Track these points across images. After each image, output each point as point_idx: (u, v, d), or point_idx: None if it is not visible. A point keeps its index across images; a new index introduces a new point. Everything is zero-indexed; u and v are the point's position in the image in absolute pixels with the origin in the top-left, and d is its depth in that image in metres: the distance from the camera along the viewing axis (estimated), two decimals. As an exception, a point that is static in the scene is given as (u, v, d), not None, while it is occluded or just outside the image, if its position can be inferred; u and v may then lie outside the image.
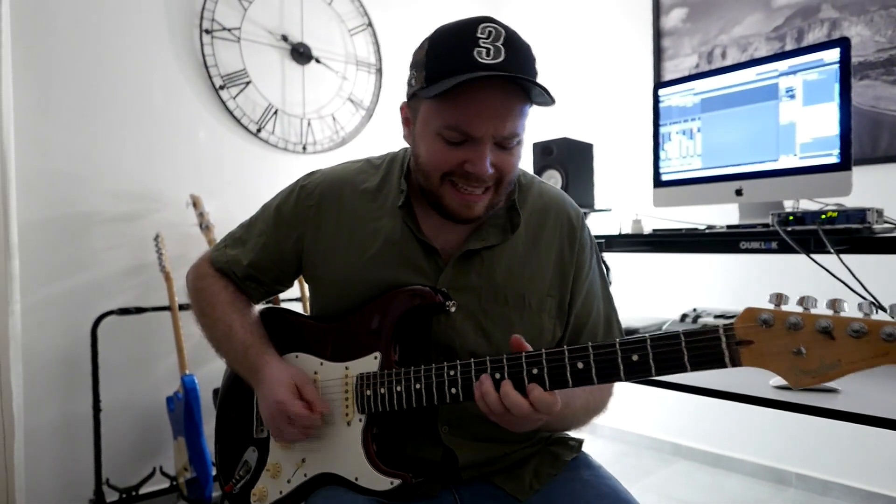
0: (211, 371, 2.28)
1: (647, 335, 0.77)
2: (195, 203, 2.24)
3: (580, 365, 0.79)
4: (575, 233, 1.05)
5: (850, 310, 0.68)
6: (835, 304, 0.68)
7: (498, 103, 0.86)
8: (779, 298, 0.71)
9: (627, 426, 3.08)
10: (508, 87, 0.86)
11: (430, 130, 0.90)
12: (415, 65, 0.92)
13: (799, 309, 0.69)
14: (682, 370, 0.74)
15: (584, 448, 1.10)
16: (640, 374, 0.77)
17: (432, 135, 0.89)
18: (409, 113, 0.96)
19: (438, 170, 0.90)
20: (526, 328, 0.98)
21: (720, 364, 0.72)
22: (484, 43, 0.84)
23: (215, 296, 1.07)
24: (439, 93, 0.83)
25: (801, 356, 0.68)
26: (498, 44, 0.84)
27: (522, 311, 0.99)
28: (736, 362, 0.71)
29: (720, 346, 0.72)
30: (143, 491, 2.14)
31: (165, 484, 2.20)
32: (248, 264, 1.07)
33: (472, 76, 0.81)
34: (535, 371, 0.81)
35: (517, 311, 0.98)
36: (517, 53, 0.85)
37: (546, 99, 0.87)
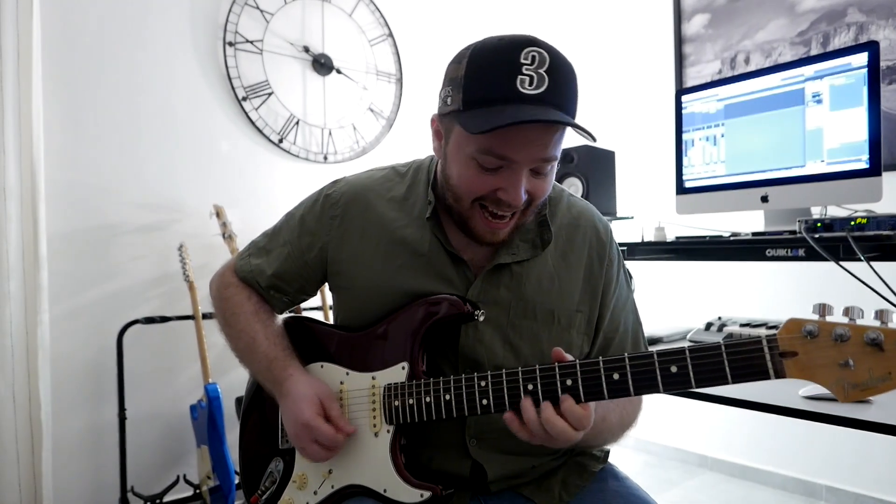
0: (234, 380, 2.30)
1: (685, 346, 0.75)
2: (218, 213, 2.27)
3: (616, 376, 0.78)
4: (604, 248, 1.04)
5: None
6: (882, 314, 0.66)
7: (537, 132, 0.83)
8: (823, 309, 0.69)
9: (653, 437, 3.04)
10: (548, 114, 0.82)
11: (464, 154, 0.87)
12: (451, 82, 0.88)
13: (845, 320, 0.67)
14: (724, 382, 0.72)
15: (610, 458, 1.09)
16: (679, 387, 0.75)
17: (466, 158, 0.87)
18: (442, 128, 0.94)
19: (470, 195, 0.89)
20: (554, 343, 0.96)
21: (764, 376, 0.70)
22: (527, 70, 0.80)
23: (239, 306, 1.07)
24: (482, 131, 0.79)
25: (850, 369, 0.66)
26: (541, 70, 0.81)
27: (551, 327, 0.98)
28: (780, 374, 0.69)
29: (763, 358, 0.70)
30: (167, 499, 2.15)
31: (189, 492, 2.21)
32: (272, 274, 1.06)
33: (513, 122, 0.78)
34: (569, 382, 0.80)
35: (546, 327, 0.97)
36: (560, 81, 0.82)
37: (586, 136, 0.84)
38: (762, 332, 0.74)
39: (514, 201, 0.86)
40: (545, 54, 0.81)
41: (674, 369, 0.74)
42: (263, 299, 1.08)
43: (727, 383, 0.72)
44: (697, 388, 0.74)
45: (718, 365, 0.72)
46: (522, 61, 0.81)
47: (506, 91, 0.81)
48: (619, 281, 1.06)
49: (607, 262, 1.04)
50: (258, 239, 1.13)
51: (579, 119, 0.85)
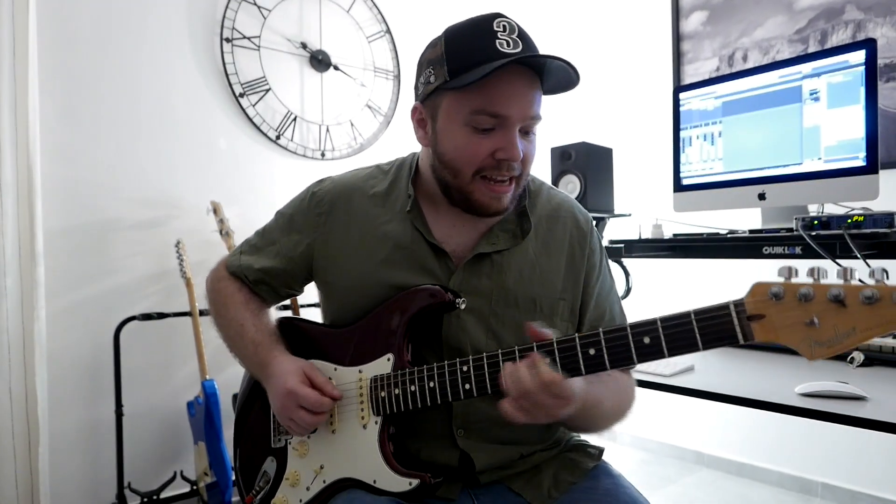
0: (231, 376, 2.30)
1: (657, 317, 0.76)
2: (215, 210, 2.26)
3: (592, 351, 0.80)
4: (585, 236, 1.07)
5: (863, 279, 0.67)
6: (846, 272, 0.67)
7: (524, 86, 0.90)
8: (789, 271, 0.70)
9: (649, 434, 3.04)
10: (529, 73, 0.90)
11: (458, 121, 0.92)
12: (430, 62, 0.94)
13: (809, 280, 0.68)
14: (695, 349, 0.74)
15: (605, 455, 1.09)
16: (653, 357, 0.77)
17: (460, 125, 0.91)
18: (426, 112, 0.97)
19: (470, 165, 0.92)
20: None
21: (733, 341, 0.72)
22: (502, 36, 0.88)
23: (230, 297, 1.10)
24: (478, 79, 0.85)
25: (815, 327, 0.67)
26: (514, 36, 0.89)
27: (533, 315, 0.99)
28: (749, 338, 0.71)
29: (732, 323, 0.71)
30: (164, 495, 2.15)
31: (186, 488, 2.21)
32: (259, 269, 1.09)
33: (512, 59, 0.85)
34: (547, 361, 0.81)
35: (528, 315, 0.99)
36: (531, 45, 0.90)
37: (571, 77, 0.90)
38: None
39: (513, 157, 0.91)
40: (513, 23, 0.91)
41: (647, 340, 0.76)
42: (253, 293, 1.11)
43: (698, 350, 0.74)
44: (670, 356, 0.76)
45: (689, 333, 0.74)
46: (496, 29, 0.89)
47: (490, 52, 0.87)
48: (601, 269, 1.08)
49: (588, 251, 1.06)
50: (251, 237, 1.16)
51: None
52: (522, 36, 0.90)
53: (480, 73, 0.85)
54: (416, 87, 0.99)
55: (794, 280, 0.69)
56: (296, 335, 1.08)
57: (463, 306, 0.94)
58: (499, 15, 0.90)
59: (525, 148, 0.93)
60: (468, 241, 1.01)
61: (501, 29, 0.89)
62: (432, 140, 0.97)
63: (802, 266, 0.70)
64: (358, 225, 1.03)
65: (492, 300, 0.98)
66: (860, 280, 0.68)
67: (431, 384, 0.90)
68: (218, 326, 1.11)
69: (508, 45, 0.88)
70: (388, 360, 0.95)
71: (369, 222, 1.03)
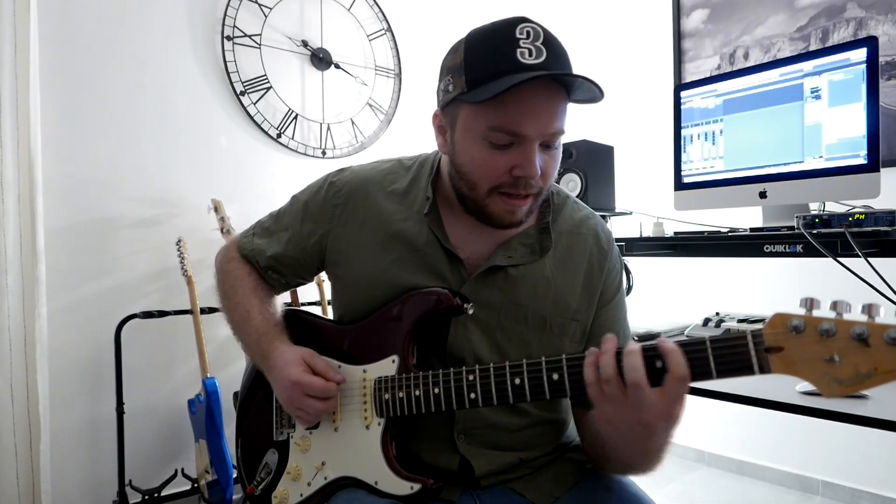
0: (232, 374, 2.30)
1: (672, 342, 0.74)
2: (216, 208, 2.26)
3: None
4: (605, 256, 1.03)
5: (887, 315, 0.64)
6: (870, 309, 0.64)
7: (544, 101, 0.85)
8: (810, 303, 0.67)
9: (649, 432, 3.04)
10: (552, 85, 0.85)
11: (475, 135, 0.88)
12: (450, 70, 0.89)
13: (832, 314, 0.66)
14: (709, 377, 0.72)
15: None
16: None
17: (477, 140, 0.87)
18: (445, 121, 0.94)
19: (487, 181, 0.89)
20: (544, 350, 0.97)
21: (748, 372, 0.70)
22: (524, 43, 0.83)
23: (239, 280, 1.09)
24: (493, 95, 0.80)
25: (835, 364, 0.65)
26: (538, 44, 0.83)
27: (542, 333, 0.97)
28: (765, 370, 0.69)
29: (748, 353, 0.69)
30: (165, 493, 2.15)
31: (187, 486, 2.22)
32: (270, 255, 1.08)
33: (528, 77, 0.80)
34: (555, 377, 0.80)
35: (536, 333, 0.97)
36: (557, 52, 0.85)
37: (595, 94, 0.86)
38: (749, 327, 0.71)
39: (530, 175, 0.87)
40: (538, 29, 0.85)
41: (659, 364, 0.73)
42: (262, 278, 1.10)
43: (712, 378, 0.72)
44: None
45: (703, 360, 0.72)
46: (518, 36, 0.83)
47: (509, 63, 0.82)
48: (619, 292, 1.05)
49: (607, 271, 1.03)
50: (264, 219, 1.15)
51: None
52: (548, 42, 0.84)
53: (496, 90, 0.80)
54: (437, 93, 0.95)
55: (815, 312, 0.67)
56: (301, 328, 1.07)
57: (471, 311, 0.92)
58: (523, 20, 0.84)
59: (545, 163, 0.88)
60: (484, 250, 0.98)
61: (524, 36, 0.83)
62: (450, 149, 0.94)
63: (825, 297, 0.67)
64: (373, 220, 1.01)
65: (500, 314, 0.96)
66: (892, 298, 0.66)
67: (437, 390, 0.88)
68: (224, 309, 1.11)
69: (531, 53, 0.82)
70: (393, 361, 0.94)
71: (385, 218, 1.01)
